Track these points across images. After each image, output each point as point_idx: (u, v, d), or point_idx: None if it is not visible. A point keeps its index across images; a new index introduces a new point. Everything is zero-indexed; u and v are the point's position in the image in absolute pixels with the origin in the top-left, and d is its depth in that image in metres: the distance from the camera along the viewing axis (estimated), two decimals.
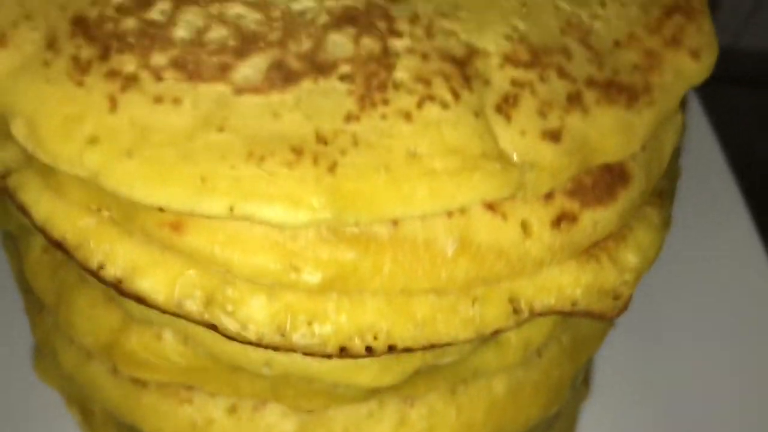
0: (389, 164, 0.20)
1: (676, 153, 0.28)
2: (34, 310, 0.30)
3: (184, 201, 0.19)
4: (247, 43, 0.21)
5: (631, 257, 0.25)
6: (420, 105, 0.21)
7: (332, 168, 0.20)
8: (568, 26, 0.24)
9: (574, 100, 0.23)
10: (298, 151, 0.20)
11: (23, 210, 0.23)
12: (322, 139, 0.20)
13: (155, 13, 0.21)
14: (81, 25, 0.21)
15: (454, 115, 0.21)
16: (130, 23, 0.21)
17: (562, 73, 0.23)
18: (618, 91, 0.24)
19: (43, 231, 0.22)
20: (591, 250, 0.25)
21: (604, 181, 0.24)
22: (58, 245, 0.22)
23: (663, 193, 0.27)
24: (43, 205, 0.22)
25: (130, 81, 0.20)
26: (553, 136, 0.22)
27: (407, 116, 0.21)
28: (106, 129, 0.20)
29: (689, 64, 0.26)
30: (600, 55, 0.24)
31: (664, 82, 0.25)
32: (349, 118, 0.20)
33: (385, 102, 0.21)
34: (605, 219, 0.24)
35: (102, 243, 0.22)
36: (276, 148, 0.20)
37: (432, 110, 0.21)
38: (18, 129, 0.20)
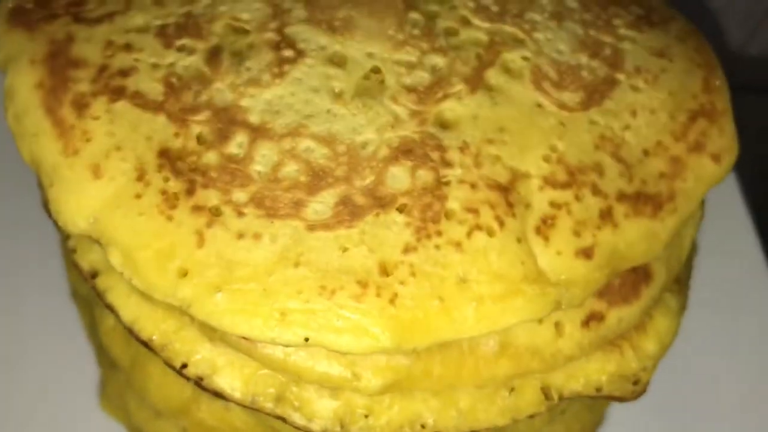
0: (442, 293, 0.23)
1: (695, 243, 0.31)
2: (105, 364, 0.33)
3: (266, 333, 0.22)
4: (317, 179, 0.23)
5: (650, 345, 0.28)
6: (469, 234, 0.23)
7: (393, 300, 0.22)
8: (601, 140, 0.26)
9: (605, 216, 0.25)
10: (363, 285, 0.22)
11: (111, 310, 0.26)
12: (384, 271, 0.23)
13: (234, 147, 0.24)
14: (166, 157, 0.24)
15: (500, 243, 0.24)
16: (211, 157, 0.24)
17: (596, 191, 0.25)
18: (645, 201, 0.26)
19: (130, 331, 0.25)
20: (615, 341, 0.28)
21: (629, 281, 0.27)
22: (145, 344, 0.25)
23: (681, 280, 0.30)
24: (131, 308, 0.25)
25: (215, 216, 0.23)
26: (587, 254, 0.25)
27: (458, 246, 0.23)
28: (195, 263, 0.22)
29: (710, 168, 0.28)
30: (630, 167, 0.26)
31: (686, 187, 0.27)
32: (407, 249, 0.23)
33: (439, 233, 0.23)
34: (629, 315, 0.27)
35: (185, 345, 0.25)
36: (345, 282, 0.22)
37: (480, 239, 0.24)
38: (114, 258, 0.23)
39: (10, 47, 0.26)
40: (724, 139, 0.28)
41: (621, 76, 0.28)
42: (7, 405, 0.36)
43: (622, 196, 0.26)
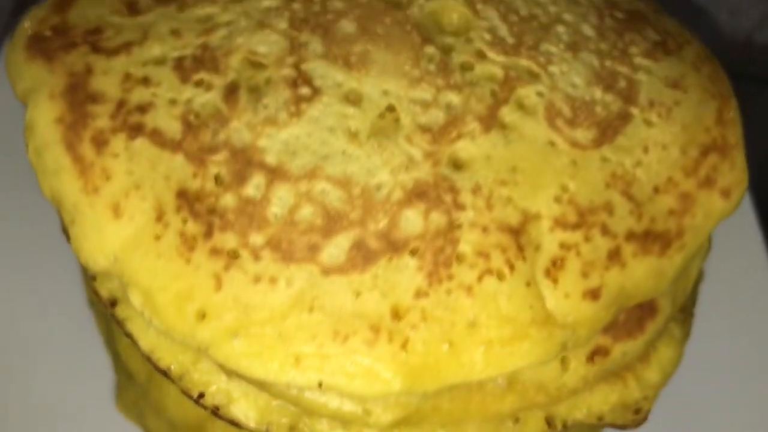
0: (452, 338, 0.23)
1: (701, 271, 0.31)
2: (122, 373, 0.34)
3: (281, 377, 0.23)
4: (332, 223, 0.24)
5: (653, 375, 0.29)
6: (480, 279, 0.24)
7: (404, 345, 0.23)
8: (612, 178, 0.27)
9: (613, 256, 0.26)
10: (375, 330, 0.23)
11: (131, 338, 0.26)
12: (396, 316, 0.23)
13: (251, 188, 0.24)
14: (185, 198, 0.24)
15: (509, 287, 0.24)
16: (229, 199, 0.24)
17: (605, 231, 0.26)
18: (653, 240, 0.27)
19: (149, 359, 0.26)
20: (618, 371, 0.28)
21: (635, 316, 0.28)
22: (163, 373, 0.26)
23: (686, 308, 0.30)
24: (150, 337, 0.26)
25: (232, 259, 0.23)
26: (594, 295, 0.25)
27: (469, 290, 0.24)
28: (213, 306, 0.23)
29: (720, 203, 0.28)
30: (640, 205, 0.27)
31: (695, 223, 0.28)
32: (419, 294, 0.24)
33: (450, 277, 0.24)
34: (634, 349, 0.28)
35: (202, 375, 0.26)
36: (357, 327, 0.23)
37: (490, 283, 0.24)
38: (135, 298, 0.24)
39: (29, 79, 0.26)
40: (734, 174, 0.29)
41: (635, 111, 0.28)
42: (23, 401, 0.37)
43: (630, 236, 0.26)
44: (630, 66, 0.29)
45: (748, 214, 0.47)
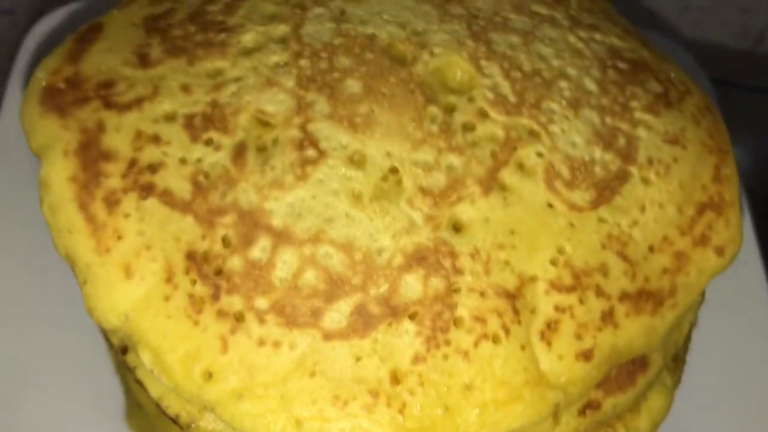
0: (448, 402, 0.25)
1: (693, 320, 0.32)
2: (131, 402, 0.35)
3: None
4: (334, 287, 0.25)
5: (642, 424, 0.30)
6: (476, 344, 0.25)
7: (402, 409, 0.24)
8: (608, 239, 0.27)
9: (607, 317, 0.27)
10: (374, 394, 0.24)
11: (141, 385, 0.27)
12: (394, 380, 0.24)
13: (257, 251, 0.25)
14: (193, 260, 0.25)
15: (505, 351, 0.25)
16: (236, 262, 0.25)
17: (599, 292, 0.27)
18: (646, 299, 0.27)
19: (158, 406, 0.27)
20: (608, 421, 0.29)
21: (626, 369, 0.29)
22: (172, 420, 0.27)
23: (677, 357, 0.31)
24: (159, 386, 0.27)
25: (238, 322, 0.24)
26: (586, 356, 0.26)
27: (465, 355, 0.25)
28: (219, 368, 0.24)
29: (713, 261, 0.29)
30: (634, 265, 0.27)
31: (688, 281, 0.28)
32: (417, 359, 0.25)
33: (447, 342, 0.25)
34: (624, 402, 0.29)
35: (209, 423, 0.27)
36: (357, 392, 0.24)
37: (486, 348, 0.25)
38: (145, 356, 0.25)
39: (43, 135, 0.27)
40: (729, 232, 0.29)
41: (633, 169, 0.29)
42: (31, 414, 0.38)
43: (624, 296, 0.27)
44: (630, 122, 0.30)
45: (747, 236, 0.47)
